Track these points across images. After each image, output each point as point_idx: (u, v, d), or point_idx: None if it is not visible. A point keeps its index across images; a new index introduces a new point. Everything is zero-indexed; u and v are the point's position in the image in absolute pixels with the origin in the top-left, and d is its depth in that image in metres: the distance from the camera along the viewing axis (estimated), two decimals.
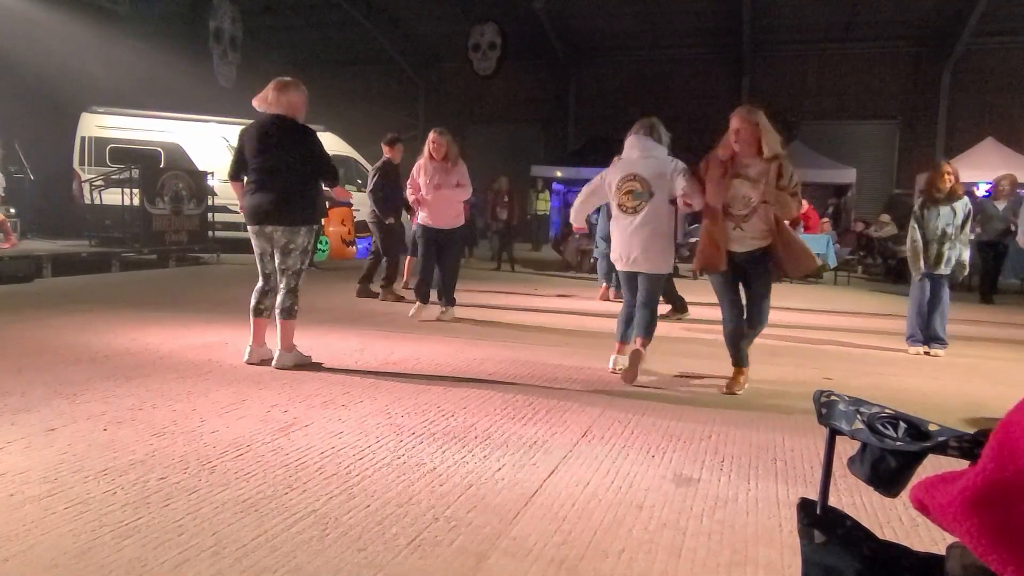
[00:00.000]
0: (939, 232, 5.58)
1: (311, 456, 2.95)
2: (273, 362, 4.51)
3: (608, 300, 8.27)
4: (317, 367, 4.56)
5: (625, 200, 4.50)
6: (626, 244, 4.53)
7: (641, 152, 4.53)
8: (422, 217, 6.63)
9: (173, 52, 15.48)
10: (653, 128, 4.58)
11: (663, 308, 7.67)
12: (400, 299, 7.91)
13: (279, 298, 4.56)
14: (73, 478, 2.61)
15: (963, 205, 5.60)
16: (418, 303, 6.69)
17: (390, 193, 7.88)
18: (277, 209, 4.46)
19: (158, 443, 3.03)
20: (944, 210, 5.57)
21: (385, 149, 8.00)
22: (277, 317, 4.53)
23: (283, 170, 4.46)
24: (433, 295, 6.78)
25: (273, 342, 4.58)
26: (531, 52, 20.40)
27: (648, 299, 4.57)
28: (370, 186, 7.91)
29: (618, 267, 4.75)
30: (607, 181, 4.64)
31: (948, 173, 5.57)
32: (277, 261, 4.54)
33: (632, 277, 4.67)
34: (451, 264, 6.76)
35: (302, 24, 20.52)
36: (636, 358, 4.45)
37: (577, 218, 5.06)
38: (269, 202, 4.46)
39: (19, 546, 2.09)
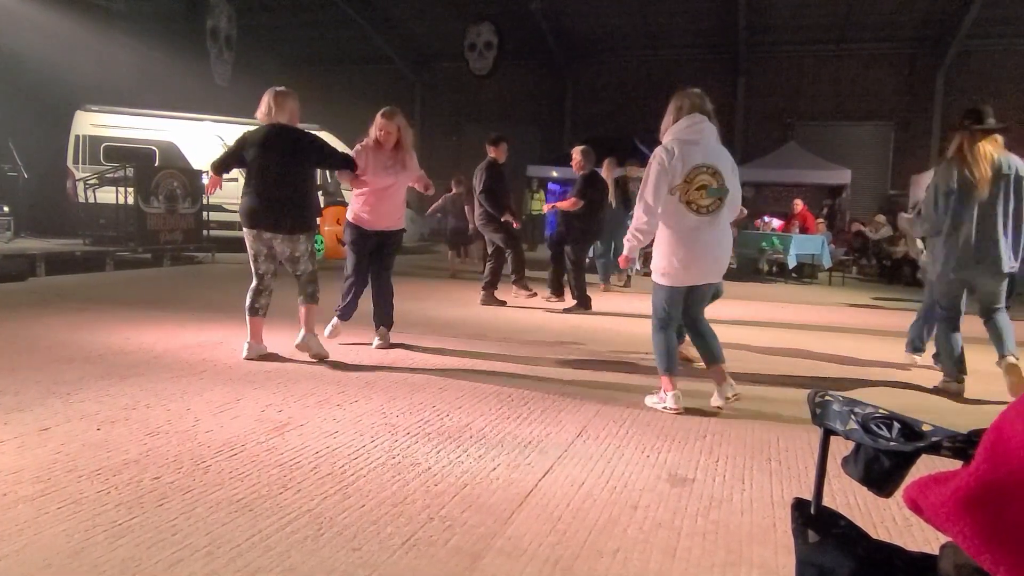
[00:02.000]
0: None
1: (306, 456, 2.94)
2: (296, 342, 4.72)
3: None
4: (331, 363, 4.57)
5: (697, 197, 3.66)
6: (697, 254, 3.71)
7: (704, 136, 3.71)
8: (357, 216, 5.19)
9: (168, 50, 15.45)
10: (705, 104, 3.79)
11: (566, 300, 7.75)
12: (533, 294, 8.01)
13: (300, 286, 4.77)
14: (66, 478, 2.60)
15: None
16: (336, 320, 5.36)
17: (499, 192, 7.89)
18: (274, 217, 4.58)
19: (152, 442, 3.02)
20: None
21: (490, 149, 7.93)
22: (301, 303, 4.76)
23: (282, 178, 4.55)
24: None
25: (269, 340, 4.80)
26: (527, 52, 20.41)
27: (705, 305, 4.08)
28: (480, 187, 7.80)
29: (676, 282, 3.78)
30: (666, 169, 3.65)
31: None
32: (290, 269, 4.76)
33: (690, 292, 3.87)
34: (388, 276, 5.36)
35: (298, 23, 20.50)
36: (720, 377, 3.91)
37: (649, 234, 3.83)
38: (265, 209, 4.57)
39: (12, 546, 2.08)
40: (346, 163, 4.94)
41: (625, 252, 3.98)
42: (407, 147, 5.16)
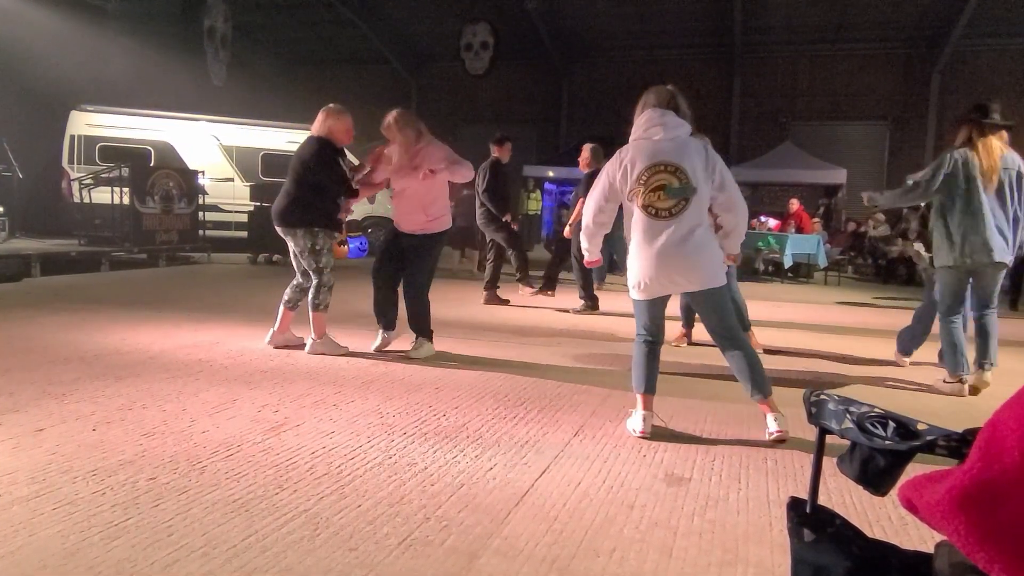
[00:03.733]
0: None
1: (302, 456, 2.94)
2: (306, 349, 4.94)
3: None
4: (327, 364, 4.57)
5: (655, 200, 3.27)
6: (659, 263, 3.29)
7: (667, 132, 3.30)
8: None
9: (163, 50, 15.41)
10: (673, 98, 3.42)
11: (573, 301, 7.60)
12: (537, 292, 8.08)
13: (310, 291, 4.98)
14: (62, 479, 2.59)
15: None
16: (381, 330, 5.15)
17: (502, 192, 7.90)
18: (277, 212, 4.95)
19: (148, 443, 3.01)
20: None
21: (494, 148, 7.94)
22: (308, 308, 4.96)
23: (291, 179, 4.94)
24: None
25: (299, 333, 5.13)
26: (524, 52, 20.41)
27: (727, 326, 3.41)
28: (483, 186, 7.81)
29: (644, 293, 3.41)
30: (616, 178, 3.38)
31: None
32: (302, 265, 5.01)
33: (662, 303, 3.49)
34: (412, 281, 5.00)
35: (294, 23, 20.47)
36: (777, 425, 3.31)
37: (594, 248, 3.67)
38: (275, 205, 5.00)
39: (7, 548, 2.08)
40: (342, 191, 4.93)
41: (588, 257, 3.76)
42: (416, 145, 4.87)
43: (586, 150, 7.70)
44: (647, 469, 2.95)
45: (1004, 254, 4.31)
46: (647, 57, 20.42)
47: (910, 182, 4.53)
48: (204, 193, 12.54)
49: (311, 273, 4.94)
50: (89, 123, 13.57)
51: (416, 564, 2.08)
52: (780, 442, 3.26)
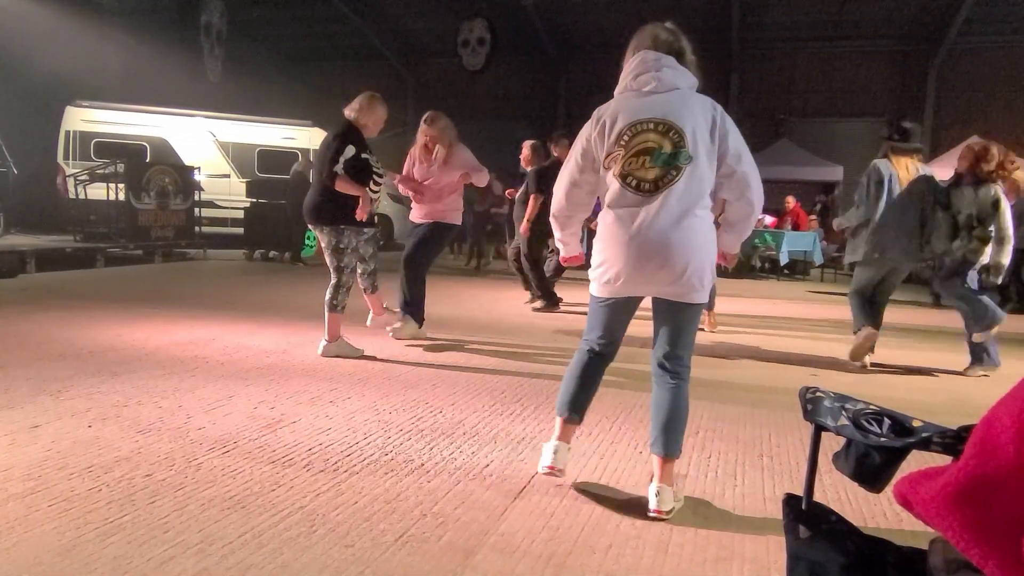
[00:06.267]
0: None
1: (298, 453, 2.94)
2: (319, 351, 4.84)
3: None
4: (323, 360, 4.56)
5: (636, 167, 2.46)
6: (635, 253, 2.46)
7: (662, 83, 2.49)
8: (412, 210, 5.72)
9: (159, 46, 15.34)
10: (676, 40, 2.61)
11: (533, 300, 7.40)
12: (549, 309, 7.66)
13: (327, 291, 4.90)
14: (57, 475, 2.59)
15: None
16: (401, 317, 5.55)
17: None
18: (306, 208, 4.86)
19: (144, 440, 3.01)
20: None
21: (553, 148, 7.59)
22: (324, 309, 4.91)
23: (316, 174, 4.85)
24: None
25: (351, 336, 5.01)
26: (521, 48, 20.37)
27: (680, 357, 2.55)
28: (535, 188, 7.31)
29: (606, 291, 2.59)
30: (592, 138, 2.61)
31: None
32: (328, 262, 4.94)
33: (629, 309, 2.65)
34: (413, 262, 5.54)
35: (289, 18, 20.39)
36: (665, 492, 2.44)
37: (569, 237, 2.84)
38: (306, 201, 4.88)
39: (2, 544, 2.07)
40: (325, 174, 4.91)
41: (563, 253, 2.92)
42: (447, 147, 5.43)
43: (526, 147, 7.53)
44: (643, 466, 2.95)
45: (914, 255, 5.10)
46: None
47: (856, 198, 5.22)
48: (200, 189, 12.51)
49: (331, 271, 4.83)
50: (85, 119, 13.53)
51: (412, 560, 2.09)
52: (658, 520, 2.41)
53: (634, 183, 2.46)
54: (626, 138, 2.48)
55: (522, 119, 22.15)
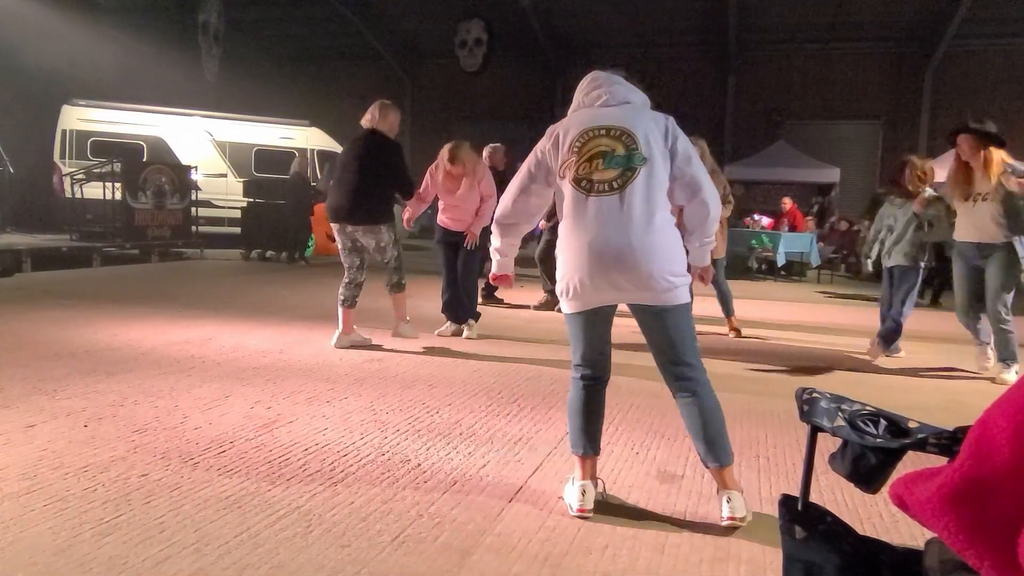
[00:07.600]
0: None
1: (295, 452, 2.93)
2: (392, 332, 5.34)
3: None
4: (321, 360, 4.55)
5: (590, 171, 2.43)
6: (596, 257, 2.38)
7: (612, 95, 2.58)
8: (439, 219, 5.94)
9: (156, 45, 15.32)
10: (627, 77, 2.76)
11: (534, 295, 7.33)
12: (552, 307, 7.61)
13: (386, 277, 5.22)
14: (53, 475, 2.58)
15: None
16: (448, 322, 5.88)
17: None
18: (351, 210, 4.97)
19: (139, 439, 3.00)
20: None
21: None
22: (388, 292, 5.27)
23: (360, 175, 4.94)
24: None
25: (361, 329, 5.24)
26: (518, 49, 20.37)
27: (685, 359, 2.47)
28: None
29: (573, 304, 2.50)
30: (546, 149, 2.58)
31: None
32: (378, 259, 5.16)
33: (605, 318, 2.56)
34: (465, 271, 5.87)
35: (287, 18, 20.37)
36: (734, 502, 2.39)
37: (506, 247, 2.73)
38: (346, 203, 4.97)
39: None
40: (404, 188, 5.23)
41: (494, 269, 2.79)
42: (471, 171, 5.67)
43: (488, 150, 7.40)
44: (640, 466, 2.96)
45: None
46: (642, 55, 20.40)
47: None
48: (197, 189, 12.48)
49: (392, 264, 5.12)
50: (81, 118, 13.48)
51: (409, 561, 2.08)
52: (733, 529, 2.38)
53: (587, 186, 2.43)
54: (578, 145, 2.47)
55: (519, 120, 22.13)
